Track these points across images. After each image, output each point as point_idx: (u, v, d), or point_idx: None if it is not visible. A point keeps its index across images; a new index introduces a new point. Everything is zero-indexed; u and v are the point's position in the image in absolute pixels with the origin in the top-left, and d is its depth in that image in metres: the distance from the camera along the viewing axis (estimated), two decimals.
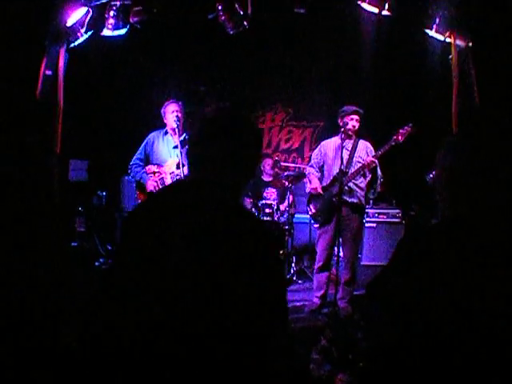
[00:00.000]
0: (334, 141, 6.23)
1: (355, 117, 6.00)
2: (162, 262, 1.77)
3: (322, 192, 6.16)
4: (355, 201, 6.07)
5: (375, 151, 6.02)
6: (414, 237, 2.07)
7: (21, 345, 3.89)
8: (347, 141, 6.07)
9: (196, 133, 1.99)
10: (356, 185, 6.07)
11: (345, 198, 5.94)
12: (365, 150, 6.11)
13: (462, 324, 1.79)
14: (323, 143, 6.42)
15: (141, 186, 5.98)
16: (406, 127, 5.82)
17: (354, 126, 5.97)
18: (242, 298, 1.74)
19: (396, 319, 2.01)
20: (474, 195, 1.93)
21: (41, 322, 4.16)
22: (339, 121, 6.06)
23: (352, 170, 6.01)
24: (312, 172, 6.37)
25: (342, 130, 5.90)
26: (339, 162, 5.80)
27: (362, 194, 6.13)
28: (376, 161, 5.84)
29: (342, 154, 5.76)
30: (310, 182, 6.33)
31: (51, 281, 4.45)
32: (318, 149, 6.46)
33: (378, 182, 6.04)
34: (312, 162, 6.47)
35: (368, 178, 6.10)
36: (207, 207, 1.84)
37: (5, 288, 4.32)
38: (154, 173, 5.90)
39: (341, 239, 6.03)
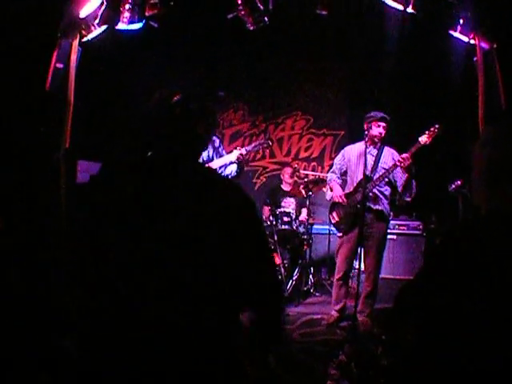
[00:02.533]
0: (358, 146, 6.00)
1: (382, 124, 5.79)
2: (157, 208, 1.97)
3: (345, 199, 5.94)
4: (380, 208, 5.83)
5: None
6: (448, 240, 1.90)
7: (16, 346, 3.78)
8: (371, 147, 5.86)
9: (155, 115, 2.17)
10: (381, 192, 5.85)
11: (369, 204, 5.73)
12: (391, 157, 5.86)
13: (497, 340, 1.61)
14: (346, 148, 6.23)
15: None
16: (432, 128, 5.55)
17: (380, 134, 5.78)
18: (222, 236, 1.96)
19: (424, 331, 1.82)
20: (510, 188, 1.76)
21: (41, 321, 4.04)
22: (365, 125, 5.82)
23: (377, 175, 5.77)
24: (333, 179, 6.16)
25: (367, 134, 5.69)
26: (363, 168, 5.55)
27: (387, 202, 5.90)
28: (409, 157, 5.52)
29: (366, 159, 5.53)
30: (332, 189, 6.11)
31: (53, 281, 4.28)
32: (340, 154, 6.26)
33: (414, 182, 5.72)
34: (334, 167, 6.27)
35: (402, 181, 5.76)
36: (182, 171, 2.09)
37: (6, 287, 4.22)
38: None
39: (363, 249, 5.74)
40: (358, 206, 5.69)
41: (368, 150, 5.66)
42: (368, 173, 5.63)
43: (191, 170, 2.11)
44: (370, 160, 5.77)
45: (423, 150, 5.65)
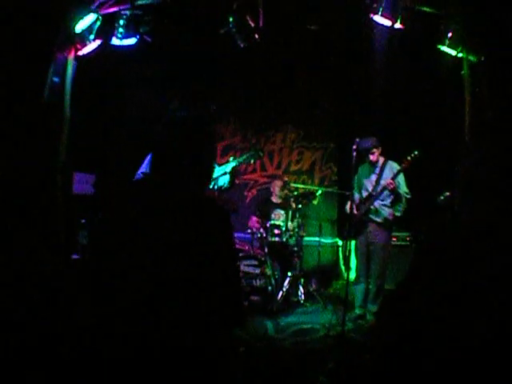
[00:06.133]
0: (366, 167, 6.81)
1: (372, 150, 6.55)
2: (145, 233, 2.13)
3: (355, 212, 6.61)
4: (379, 220, 6.54)
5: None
6: (434, 246, 2.01)
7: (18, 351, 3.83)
8: (374, 166, 6.67)
9: (162, 140, 2.27)
10: (383, 204, 6.55)
11: (371, 216, 6.56)
12: (391, 172, 6.50)
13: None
14: (359, 169, 6.86)
15: None
16: (412, 155, 6.23)
17: (373, 159, 6.59)
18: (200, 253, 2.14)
19: (406, 337, 1.89)
20: (494, 199, 1.85)
21: (40, 329, 4.09)
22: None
23: (378, 191, 6.50)
24: (353, 194, 6.73)
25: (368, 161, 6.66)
26: (369, 184, 6.65)
27: (389, 211, 6.53)
28: (392, 182, 6.28)
29: (370, 179, 6.65)
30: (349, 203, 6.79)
31: (50, 290, 4.34)
32: (356, 175, 6.74)
33: (403, 199, 6.45)
34: (355, 186, 6.86)
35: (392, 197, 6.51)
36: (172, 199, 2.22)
37: (5, 296, 4.26)
38: None
39: (370, 256, 6.59)
40: (363, 217, 6.60)
41: (372, 170, 6.66)
42: (370, 190, 6.62)
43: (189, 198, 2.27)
44: (374, 177, 6.65)
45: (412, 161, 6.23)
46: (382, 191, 6.44)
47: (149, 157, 5.84)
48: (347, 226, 6.72)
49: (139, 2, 5.68)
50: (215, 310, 2.21)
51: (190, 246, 2.15)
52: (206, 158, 2.31)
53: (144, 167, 6.01)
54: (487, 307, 1.70)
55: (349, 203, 6.69)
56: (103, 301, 2.13)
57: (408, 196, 6.47)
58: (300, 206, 7.77)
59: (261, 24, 5.87)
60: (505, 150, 1.89)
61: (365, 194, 6.69)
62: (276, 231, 7.65)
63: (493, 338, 1.67)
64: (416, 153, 6.20)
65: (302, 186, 8.62)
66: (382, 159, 6.66)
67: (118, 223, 2.20)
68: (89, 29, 5.31)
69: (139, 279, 2.09)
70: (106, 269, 2.16)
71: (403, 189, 6.47)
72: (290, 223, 8.04)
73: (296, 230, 7.84)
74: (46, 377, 3.55)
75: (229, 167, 5.66)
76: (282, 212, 8.21)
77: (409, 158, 6.23)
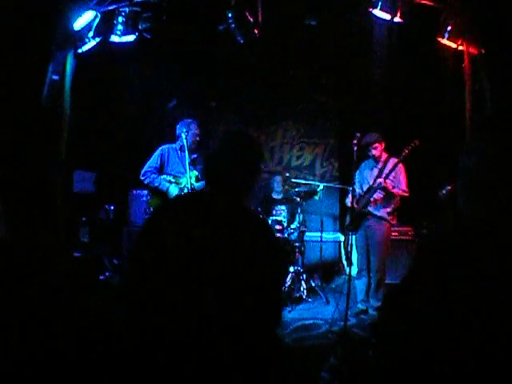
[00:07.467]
0: (367, 162, 6.86)
1: (375, 145, 6.57)
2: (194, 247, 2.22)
3: (356, 205, 6.56)
4: (378, 214, 6.57)
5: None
6: (435, 244, 2.01)
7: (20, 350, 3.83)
8: (377, 161, 6.69)
9: (213, 156, 2.52)
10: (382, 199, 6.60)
11: (370, 209, 6.58)
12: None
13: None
14: (362, 164, 6.92)
15: (155, 193, 5.94)
16: (412, 144, 6.21)
17: (375, 154, 6.60)
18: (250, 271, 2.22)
19: (410, 333, 1.86)
20: (495, 198, 1.85)
21: (40, 329, 4.09)
22: (365, 148, 6.62)
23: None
24: (353, 188, 6.66)
25: (369, 155, 6.67)
26: (370, 177, 6.66)
27: (388, 206, 6.56)
28: (382, 181, 6.35)
29: (372, 172, 6.68)
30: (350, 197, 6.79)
31: (53, 289, 4.34)
32: (358, 169, 6.83)
33: (395, 197, 6.52)
34: (355, 180, 6.73)
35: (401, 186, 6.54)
36: (221, 210, 2.36)
37: (5, 296, 4.27)
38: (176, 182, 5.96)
39: (369, 249, 6.64)
40: (362, 210, 6.63)
41: (374, 164, 6.70)
42: (371, 183, 6.60)
43: (237, 210, 2.42)
44: (375, 172, 6.66)
45: (414, 156, 6.26)
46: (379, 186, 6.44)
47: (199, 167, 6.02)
48: (347, 219, 6.73)
49: None
50: (262, 314, 2.28)
51: (245, 256, 2.24)
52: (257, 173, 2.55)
53: (155, 162, 6.06)
54: (487, 307, 1.70)
55: (350, 196, 6.68)
56: (156, 306, 2.20)
57: (406, 194, 6.46)
58: (301, 201, 7.75)
59: (260, 19, 5.86)
60: (505, 149, 1.88)
61: (365, 186, 6.69)
62: (277, 227, 7.64)
63: (493, 338, 1.67)
64: (416, 142, 6.17)
65: (303, 181, 8.59)
66: (385, 155, 6.66)
67: (175, 233, 2.27)
68: (88, 26, 5.31)
69: (195, 287, 2.17)
70: (160, 277, 2.22)
71: (402, 186, 6.47)
72: (291, 219, 8.05)
73: (297, 225, 7.83)
74: (45, 377, 3.56)
75: None
76: (283, 208, 8.21)
77: (409, 147, 6.20)
